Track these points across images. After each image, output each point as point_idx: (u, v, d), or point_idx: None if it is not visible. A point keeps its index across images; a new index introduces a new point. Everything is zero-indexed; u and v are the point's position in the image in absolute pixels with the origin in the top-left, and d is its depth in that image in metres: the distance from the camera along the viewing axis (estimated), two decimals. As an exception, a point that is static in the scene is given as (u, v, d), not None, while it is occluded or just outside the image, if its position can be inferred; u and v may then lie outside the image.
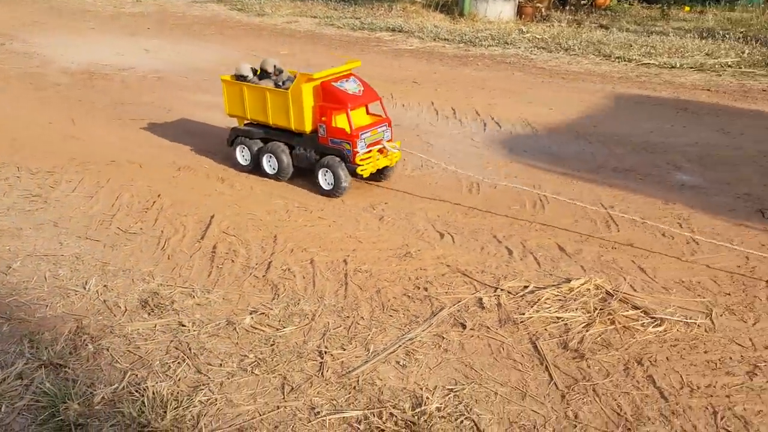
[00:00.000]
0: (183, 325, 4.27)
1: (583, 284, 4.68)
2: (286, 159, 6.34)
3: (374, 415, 3.52)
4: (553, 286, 4.68)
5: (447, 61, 11.81)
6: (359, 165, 5.94)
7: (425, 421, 3.47)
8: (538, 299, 4.53)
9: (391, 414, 3.53)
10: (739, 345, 4.07)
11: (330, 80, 5.99)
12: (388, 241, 5.38)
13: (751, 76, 10.69)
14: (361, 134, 5.95)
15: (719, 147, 7.46)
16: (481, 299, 4.56)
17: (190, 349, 4.05)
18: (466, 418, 3.52)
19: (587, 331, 4.21)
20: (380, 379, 3.81)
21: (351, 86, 6.07)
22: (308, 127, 6.09)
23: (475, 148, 7.48)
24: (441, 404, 3.61)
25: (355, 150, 5.93)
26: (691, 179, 6.60)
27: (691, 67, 11.09)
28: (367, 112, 6.28)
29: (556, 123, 8.29)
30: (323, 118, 5.99)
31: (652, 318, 4.31)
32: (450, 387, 3.75)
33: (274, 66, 6.51)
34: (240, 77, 6.49)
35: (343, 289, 4.68)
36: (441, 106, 8.98)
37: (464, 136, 7.88)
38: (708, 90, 9.86)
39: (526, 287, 4.70)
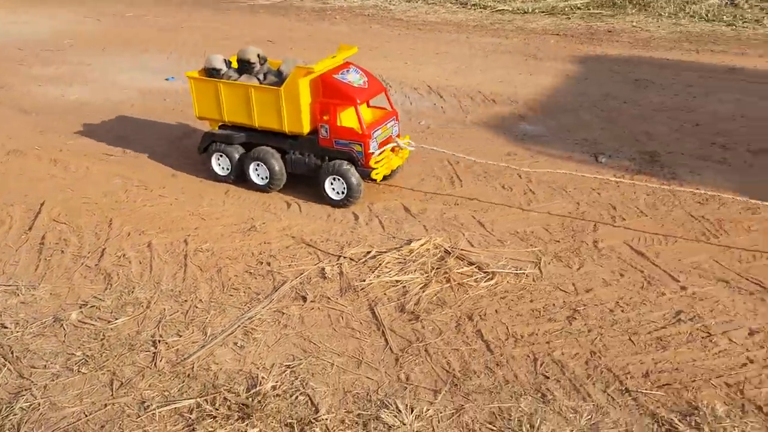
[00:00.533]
0: (5, 327, 4.03)
1: (422, 245, 4.79)
2: (279, 166, 5.43)
3: (207, 402, 3.49)
4: (395, 249, 4.76)
5: (304, 16, 11.57)
6: (374, 168, 5.21)
7: (259, 401, 3.48)
8: (380, 264, 4.60)
9: (225, 399, 3.51)
10: (563, 291, 4.32)
11: (329, 72, 5.20)
12: (233, 215, 5.27)
13: (598, 17, 11.12)
14: (373, 132, 5.21)
15: (563, 93, 7.75)
16: (323, 269, 4.57)
17: (12, 353, 3.84)
18: (301, 394, 3.55)
19: (424, 291, 4.32)
20: (216, 363, 3.77)
21: (354, 77, 5.25)
22: (306, 128, 5.24)
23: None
24: (277, 382, 3.62)
25: (369, 151, 5.16)
26: (534, 128, 6.85)
27: (543, 12, 11.41)
28: (368, 105, 5.50)
29: (410, 77, 8.33)
30: (325, 117, 5.16)
31: (485, 272, 4.48)
32: (287, 363, 3.77)
33: (258, 55, 5.53)
34: (212, 72, 5.53)
35: (182, 271, 4.57)
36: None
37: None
38: (557, 34, 10.19)
39: (368, 253, 4.75)
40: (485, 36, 10.14)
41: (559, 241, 4.85)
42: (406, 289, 4.35)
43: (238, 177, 5.65)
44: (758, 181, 5.56)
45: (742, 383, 3.49)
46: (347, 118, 5.26)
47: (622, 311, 4.09)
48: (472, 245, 4.84)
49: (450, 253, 4.69)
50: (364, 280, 4.44)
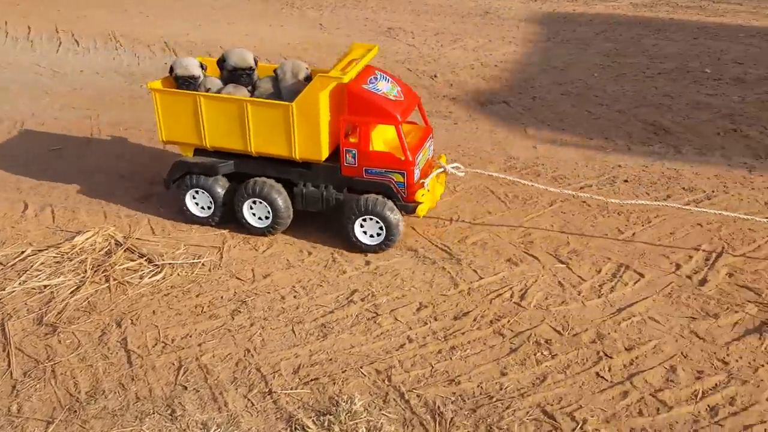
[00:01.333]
0: None
1: (89, 238, 4.21)
2: (284, 203, 4.22)
3: None
4: (54, 246, 4.15)
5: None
6: (419, 202, 4.13)
7: None
8: (31, 266, 3.98)
9: None
10: (239, 279, 3.93)
11: (356, 82, 4.01)
12: None
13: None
14: (416, 158, 4.11)
15: (311, 46, 7.32)
16: (-44, 280, 3.90)
17: None
18: None
19: (73, 296, 3.77)
20: None
21: (386, 87, 4.10)
22: (324, 154, 4.10)
23: (40, 77, 6.50)
24: None
25: (413, 182, 4.11)
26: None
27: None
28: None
29: (145, 34, 7.53)
30: (352, 140, 4.08)
31: (154, 266, 4.01)
32: None
33: (256, 60, 4.32)
34: (186, 80, 4.24)
35: None
36: (15, 24, 7.71)
37: (31, 63, 6.83)
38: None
39: (23, 252, 4.11)
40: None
41: (262, 219, 4.46)
42: (53, 296, 3.78)
43: (227, 218, 4.40)
44: (472, 137, 5.46)
45: (391, 368, 3.28)
46: (377, 140, 4.19)
47: (295, 297, 3.77)
48: (154, 232, 4.34)
49: (121, 245, 4.16)
50: (5, 289, 3.81)
